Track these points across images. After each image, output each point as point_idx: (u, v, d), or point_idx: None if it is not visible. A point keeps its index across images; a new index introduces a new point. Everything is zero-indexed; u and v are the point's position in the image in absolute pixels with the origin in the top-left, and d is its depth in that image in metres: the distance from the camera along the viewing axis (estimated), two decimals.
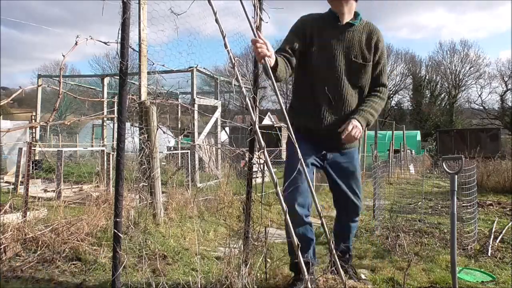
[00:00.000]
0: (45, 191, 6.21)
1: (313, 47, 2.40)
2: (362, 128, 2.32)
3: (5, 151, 9.41)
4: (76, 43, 3.81)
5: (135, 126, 3.72)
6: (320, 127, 2.40)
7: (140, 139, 3.71)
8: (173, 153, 9.11)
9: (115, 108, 11.30)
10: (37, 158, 9.46)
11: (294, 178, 2.28)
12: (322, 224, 2.08)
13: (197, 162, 7.30)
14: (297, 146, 2.04)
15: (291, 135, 2.04)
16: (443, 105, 38.95)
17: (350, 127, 2.25)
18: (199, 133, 8.53)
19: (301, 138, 2.33)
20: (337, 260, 2.10)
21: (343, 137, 2.27)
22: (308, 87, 2.45)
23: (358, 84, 2.43)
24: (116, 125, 7.03)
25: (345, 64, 2.38)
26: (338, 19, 2.41)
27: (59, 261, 2.77)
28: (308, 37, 2.41)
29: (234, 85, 1.85)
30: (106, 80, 11.41)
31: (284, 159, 2.60)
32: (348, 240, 2.63)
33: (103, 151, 6.17)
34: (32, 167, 5.61)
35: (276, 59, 2.08)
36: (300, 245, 2.25)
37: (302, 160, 2.00)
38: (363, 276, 2.70)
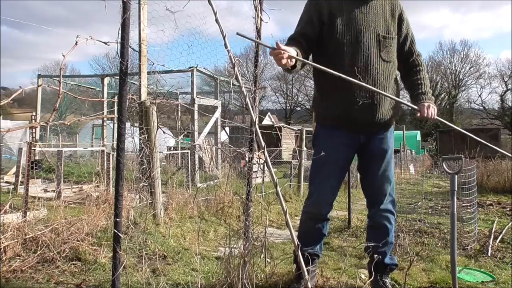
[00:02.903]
0: (45, 191, 6.21)
1: (335, 25, 2.23)
2: (435, 107, 2.26)
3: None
4: (76, 43, 3.81)
5: (135, 126, 3.72)
6: (352, 112, 2.22)
7: (140, 139, 3.71)
8: (173, 153, 9.11)
9: (115, 108, 11.30)
10: (37, 158, 9.46)
11: (323, 174, 2.28)
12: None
13: (197, 162, 7.30)
14: (325, 140, 2.12)
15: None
16: (443, 105, 38.94)
17: (425, 110, 2.20)
18: (199, 133, 8.54)
19: (330, 130, 2.32)
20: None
21: (420, 117, 2.25)
22: (334, 70, 2.26)
23: (388, 59, 2.27)
24: (116, 125, 7.03)
25: (373, 39, 2.23)
26: None
27: (59, 261, 2.77)
28: (326, 15, 2.24)
29: (234, 85, 1.85)
30: (106, 80, 11.42)
31: (290, 158, 2.60)
32: (383, 244, 2.37)
33: (103, 151, 6.17)
34: (32, 167, 5.61)
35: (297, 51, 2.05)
36: (299, 245, 2.29)
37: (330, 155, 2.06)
38: (362, 276, 2.71)
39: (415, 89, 2.34)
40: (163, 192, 4.34)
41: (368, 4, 2.27)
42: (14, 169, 7.89)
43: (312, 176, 2.39)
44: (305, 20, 2.32)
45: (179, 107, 9.61)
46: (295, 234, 1.81)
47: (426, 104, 2.22)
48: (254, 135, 2.29)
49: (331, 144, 2.29)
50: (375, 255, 2.29)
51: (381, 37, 2.24)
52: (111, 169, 5.75)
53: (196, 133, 8.16)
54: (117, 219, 1.81)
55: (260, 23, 2.62)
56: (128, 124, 2.97)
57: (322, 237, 2.48)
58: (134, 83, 7.80)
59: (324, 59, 2.24)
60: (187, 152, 6.79)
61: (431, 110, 2.21)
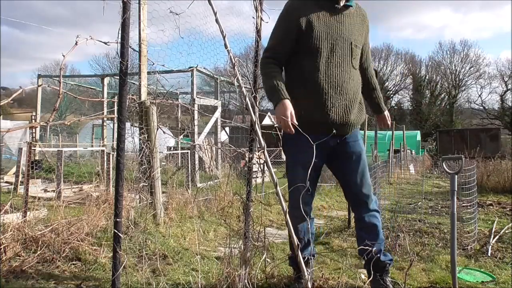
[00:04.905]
0: (45, 191, 6.21)
1: (313, 33, 2.28)
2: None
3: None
4: (76, 43, 3.81)
5: (135, 126, 3.72)
6: (328, 116, 2.28)
7: (140, 139, 3.71)
8: (173, 153, 9.11)
9: (115, 108, 11.31)
10: (37, 158, 9.46)
11: (297, 178, 2.29)
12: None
13: (197, 162, 7.30)
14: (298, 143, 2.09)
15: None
16: (443, 105, 38.94)
17: (389, 120, 2.72)
18: (199, 133, 8.53)
19: (300, 135, 2.28)
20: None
21: (385, 125, 2.70)
22: (310, 75, 2.30)
23: (356, 67, 2.42)
24: (116, 125, 7.04)
25: (347, 47, 2.35)
26: (335, 1, 2.35)
27: (59, 261, 2.77)
28: (305, 24, 2.28)
29: (232, 84, 1.86)
30: (106, 80, 11.42)
31: (285, 159, 2.59)
32: (377, 237, 2.40)
33: (103, 151, 6.17)
34: (32, 167, 5.61)
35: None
36: (305, 242, 2.34)
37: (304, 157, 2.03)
38: (362, 276, 2.70)
39: (377, 98, 2.69)
40: (163, 192, 4.34)
41: (343, 14, 2.37)
42: (14, 169, 7.89)
43: (288, 180, 2.42)
44: (282, 35, 2.35)
45: (179, 107, 9.63)
46: (294, 234, 1.81)
47: (387, 115, 2.73)
48: (255, 135, 2.29)
49: (302, 148, 2.28)
50: (371, 254, 2.30)
51: (353, 45, 2.36)
52: (111, 169, 5.75)
53: (196, 133, 8.15)
54: (117, 219, 1.81)
55: (260, 23, 2.62)
56: (128, 124, 2.97)
57: (312, 237, 2.52)
58: (134, 83, 7.82)
59: (299, 65, 2.34)
60: (187, 152, 6.79)
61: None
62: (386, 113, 2.72)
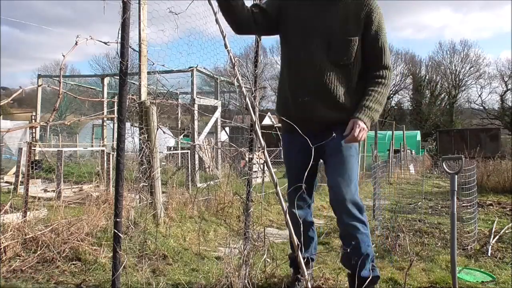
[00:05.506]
0: (45, 191, 6.21)
1: (287, 24, 2.18)
2: (368, 128, 2.03)
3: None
4: (76, 43, 3.81)
5: (135, 126, 3.72)
6: (296, 115, 2.14)
7: (140, 139, 3.71)
8: (173, 153, 9.12)
9: (115, 108, 11.31)
10: (37, 158, 9.46)
11: (292, 179, 2.33)
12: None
13: (197, 162, 7.30)
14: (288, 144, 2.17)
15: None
16: (443, 105, 38.94)
17: (357, 130, 1.98)
18: (199, 133, 8.53)
19: (285, 132, 2.39)
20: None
21: (345, 139, 2.02)
22: (285, 71, 2.25)
23: (336, 61, 2.10)
24: (116, 125, 7.03)
25: (322, 40, 2.10)
26: None
27: (59, 261, 2.77)
28: (283, 10, 2.18)
29: (232, 84, 1.86)
30: (106, 80, 11.41)
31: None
32: (356, 251, 2.09)
33: (103, 151, 6.17)
34: (32, 167, 5.61)
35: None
36: (299, 245, 2.25)
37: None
38: None
39: (362, 99, 2.12)
40: (163, 192, 4.34)
41: (327, 5, 2.13)
42: (14, 169, 7.89)
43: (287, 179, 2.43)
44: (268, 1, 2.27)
45: (179, 107, 9.63)
46: (294, 234, 1.81)
47: (359, 124, 2.01)
48: (255, 135, 2.30)
49: (288, 148, 2.40)
50: (351, 268, 2.14)
51: (333, 39, 2.09)
52: (111, 169, 5.75)
53: (196, 133, 8.15)
54: (117, 219, 1.81)
55: None
56: (128, 124, 2.97)
57: (310, 241, 2.44)
58: (134, 83, 7.81)
59: (282, 58, 2.35)
60: (187, 152, 6.79)
61: (359, 132, 1.99)
62: (359, 124, 2.01)
